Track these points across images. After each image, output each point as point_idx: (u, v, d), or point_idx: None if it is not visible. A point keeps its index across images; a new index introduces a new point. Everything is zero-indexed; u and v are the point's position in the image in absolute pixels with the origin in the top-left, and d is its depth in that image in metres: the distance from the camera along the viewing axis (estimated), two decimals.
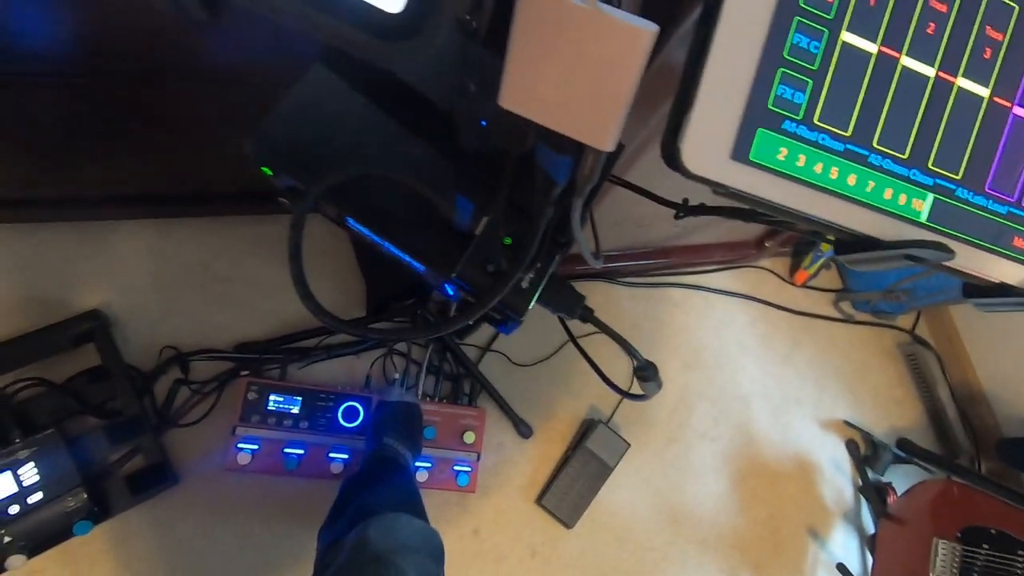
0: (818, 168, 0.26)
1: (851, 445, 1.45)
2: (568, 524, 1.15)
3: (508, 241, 0.40)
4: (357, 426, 1.05)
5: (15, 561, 0.82)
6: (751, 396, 1.41)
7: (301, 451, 1.01)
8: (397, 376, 1.15)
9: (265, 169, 0.41)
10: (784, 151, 0.25)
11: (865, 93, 0.25)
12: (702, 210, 0.57)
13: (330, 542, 0.67)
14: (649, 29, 0.24)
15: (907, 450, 1.44)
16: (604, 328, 0.47)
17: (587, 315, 0.46)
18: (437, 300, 1.17)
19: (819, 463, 1.41)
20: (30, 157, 0.87)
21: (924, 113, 0.26)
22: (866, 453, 1.44)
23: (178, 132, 0.90)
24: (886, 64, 0.25)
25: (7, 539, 0.82)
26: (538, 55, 0.25)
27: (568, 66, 0.24)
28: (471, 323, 0.38)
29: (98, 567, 0.90)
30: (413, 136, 0.41)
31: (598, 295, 1.36)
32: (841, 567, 1.26)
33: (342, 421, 1.04)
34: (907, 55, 0.25)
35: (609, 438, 1.20)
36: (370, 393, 1.08)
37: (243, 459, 0.98)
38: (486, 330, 1.24)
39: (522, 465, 1.18)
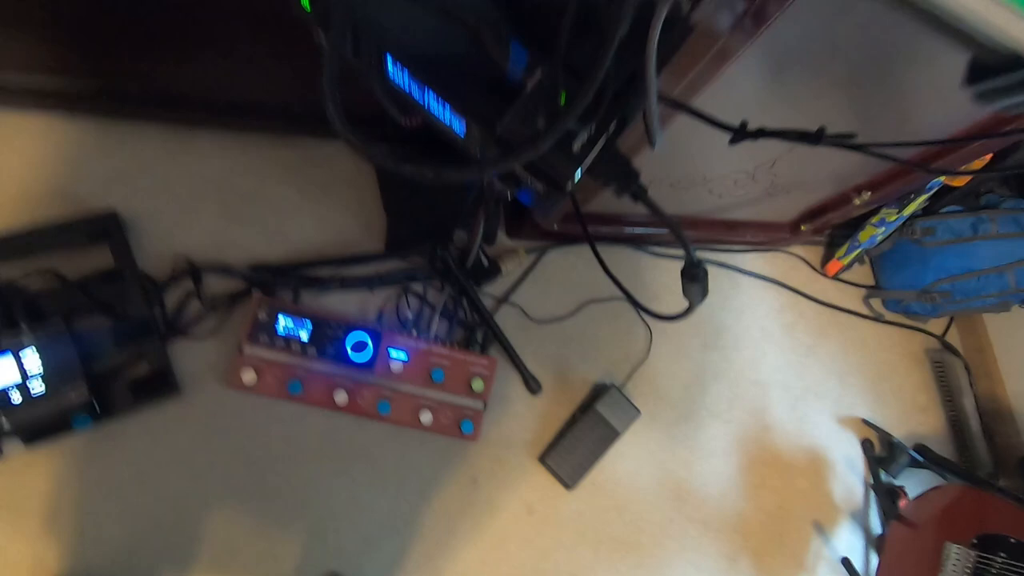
0: None
1: (867, 444, 1.40)
2: (568, 485, 1.13)
3: (565, 98, 0.36)
4: (365, 360, 1.02)
5: (13, 448, 0.81)
6: (770, 383, 1.37)
7: (306, 377, 0.99)
8: (410, 316, 1.12)
9: (303, 1, 0.37)
10: None
11: None
12: (761, 134, 0.53)
13: None
14: None
15: (925, 455, 1.39)
16: (657, 211, 0.43)
17: (640, 193, 0.42)
18: (457, 244, 1.14)
19: (832, 459, 1.37)
20: (61, 39, 0.85)
21: None
22: (881, 454, 1.39)
23: (216, 33, 0.87)
24: None
25: (7, 426, 0.81)
26: None
27: None
28: (509, 184, 0.33)
29: (91, 465, 0.89)
30: None
31: (623, 260, 1.32)
32: (846, 562, 1.22)
33: (350, 352, 1.02)
34: None
35: (620, 403, 1.17)
36: (380, 328, 1.05)
37: (248, 378, 0.96)
38: (503, 282, 1.21)
39: (528, 421, 1.15)
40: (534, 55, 0.35)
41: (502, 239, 1.24)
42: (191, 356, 0.98)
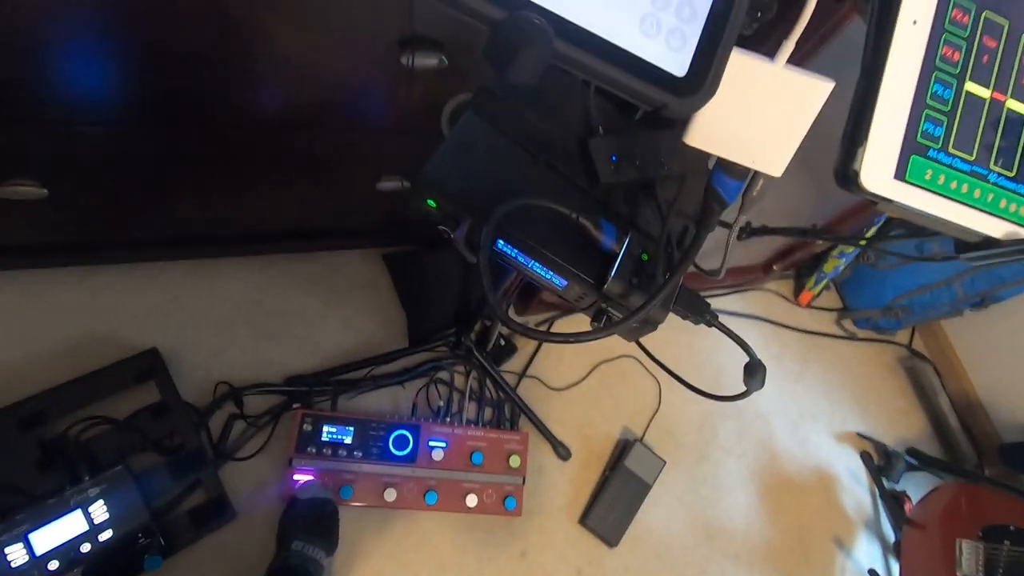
0: (953, 185, 0.34)
1: (865, 456, 1.52)
2: (611, 543, 1.18)
3: (645, 257, 0.46)
4: (408, 453, 1.08)
5: None
6: (770, 413, 1.48)
7: (355, 480, 1.03)
8: (441, 404, 1.18)
9: (430, 201, 0.46)
10: (930, 172, 0.32)
11: (983, 127, 0.33)
12: (764, 231, 0.65)
13: None
14: (828, 83, 0.32)
15: (918, 458, 1.51)
16: (725, 330, 0.53)
17: (713, 320, 0.52)
18: (477, 330, 1.22)
19: (838, 474, 1.47)
20: (84, 202, 0.91)
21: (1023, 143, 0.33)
22: (880, 463, 1.51)
23: (233, 178, 0.95)
24: (996, 105, 0.33)
25: None
26: (726, 102, 0.32)
27: (755, 111, 0.31)
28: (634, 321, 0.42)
29: None
30: (556, 174, 0.48)
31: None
32: (873, 573, 1.30)
33: (393, 449, 1.07)
34: (1011, 97, 0.33)
35: (645, 456, 1.25)
36: (418, 421, 1.11)
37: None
38: (521, 357, 1.29)
39: (563, 486, 1.21)
40: (620, 228, 0.45)
41: (511, 316, 1.33)
42: (242, 476, 1.01)
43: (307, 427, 1.04)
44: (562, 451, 1.23)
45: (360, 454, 1.05)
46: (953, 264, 1.50)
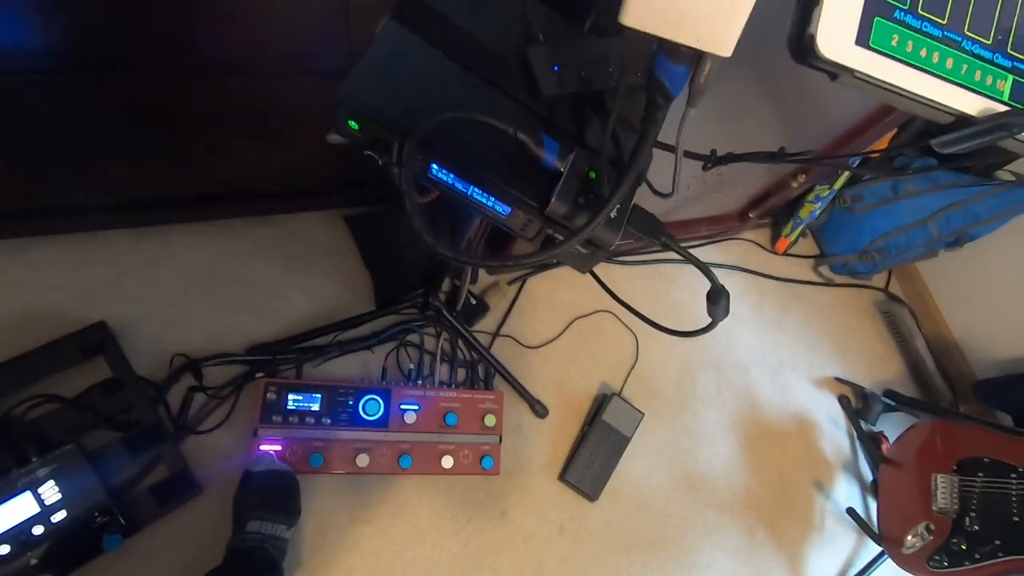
0: (923, 53, 0.30)
1: (843, 400, 1.52)
2: (592, 497, 1.18)
3: (592, 175, 0.42)
4: (379, 418, 1.05)
5: None
6: (749, 363, 1.47)
7: (325, 448, 1.00)
8: (412, 367, 1.15)
9: (352, 123, 0.41)
10: (896, 37, 0.28)
11: None
12: (731, 159, 0.61)
13: None
14: None
15: (894, 399, 1.52)
16: (683, 252, 0.49)
17: (670, 241, 0.49)
18: (446, 290, 1.18)
19: (817, 420, 1.48)
20: (22, 164, 0.84)
21: (1002, 3, 0.30)
22: (858, 406, 1.52)
23: (175, 133, 0.89)
24: None
25: (33, 561, 0.79)
26: None
27: None
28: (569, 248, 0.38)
29: None
30: (492, 87, 0.43)
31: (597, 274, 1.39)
32: (851, 511, 1.32)
33: (363, 414, 1.04)
34: None
35: (624, 409, 1.23)
36: (388, 385, 1.08)
37: None
38: (494, 316, 1.26)
39: (541, 444, 1.20)
40: (564, 144, 0.41)
41: (482, 275, 1.29)
42: (205, 449, 0.97)
43: (271, 396, 1.00)
44: (539, 409, 1.20)
45: (329, 421, 1.02)
46: (927, 203, 1.48)
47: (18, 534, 0.78)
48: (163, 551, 0.90)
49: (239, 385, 1.02)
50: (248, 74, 0.79)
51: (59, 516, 0.80)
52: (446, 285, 1.18)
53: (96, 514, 0.82)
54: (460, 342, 1.19)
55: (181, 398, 0.98)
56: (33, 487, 0.80)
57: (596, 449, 1.20)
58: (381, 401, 1.05)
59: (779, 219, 1.63)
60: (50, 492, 0.81)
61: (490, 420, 1.11)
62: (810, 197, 1.49)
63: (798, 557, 1.31)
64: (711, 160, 0.58)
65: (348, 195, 1.18)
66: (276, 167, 1.03)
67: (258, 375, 1.03)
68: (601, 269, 1.39)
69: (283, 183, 1.09)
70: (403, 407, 1.07)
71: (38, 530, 0.79)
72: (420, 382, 1.14)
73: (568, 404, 1.25)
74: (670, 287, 1.47)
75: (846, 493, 1.43)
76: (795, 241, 1.63)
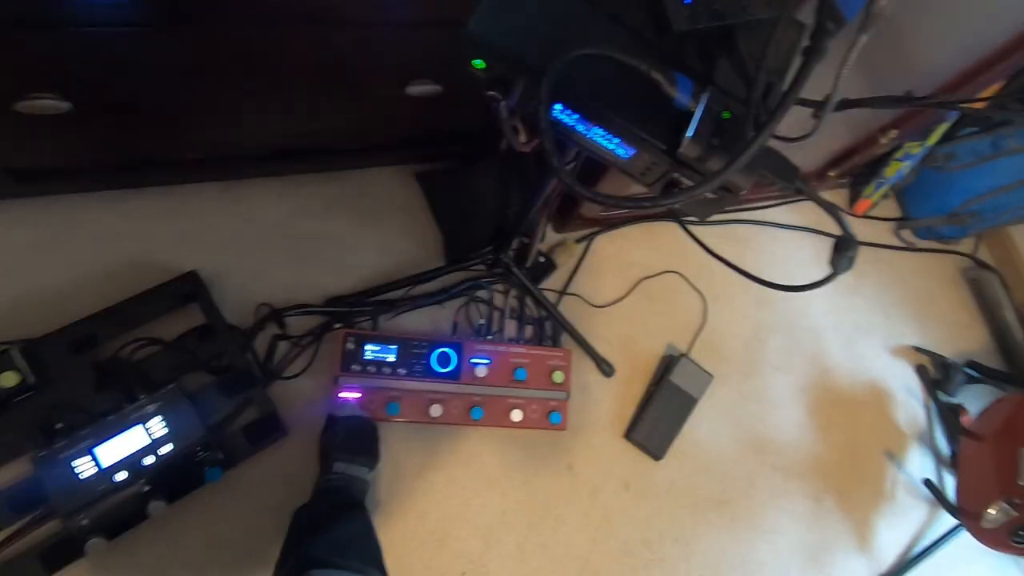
0: None
1: (921, 369, 1.46)
2: (657, 456, 1.18)
3: (727, 115, 0.40)
4: (451, 371, 1.07)
5: (156, 508, 0.85)
6: (822, 328, 1.42)
7: (400, 397, 1.03)
8: (481, 322, 1.16)
9: (477, 62, 0.41)
10: None
11: None
12: (848, 104, 0.57)
13: None
14: None
15: (978, 370, 1.45)
16: (816, 198, 0.47)
17: (803, 186, 0.47)
18: (515, 247, 1.18)
19: (891, 389, 1.43)
20: (109, 119, 0.87)
21: None
22: (937, 376, 1.45)
23: (254, 89, 0.89)
24: None
25: (146, 488, 0.86)
26: None
27: None
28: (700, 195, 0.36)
29: (228, 513, 0.94)
30: (617, 22, 0.41)
31: (666, 237, 1.36)
32: (928, 483, 1.28)
33: (436, 367, 1.07)
34: None
35: (692, 371, 1.22)
36: (459, 339, 1.10)
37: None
38: (561, 274, 1.25)
39: (607, 403, 1.20)
40: (697, 82, 0.39)
41: (549, 233, 1.28)
42: (290, 394, 1.02)
43: (350, 346, 1.03)
44: (605, 367, 1.20)
45: (404, 372, 1.05)
46: None
47: (132, 463, 0.84)
48: (256, 486, 0.96)
49: (319, 335, 1.06)
50: (326, 24, 0.78)
51: (166, 449, 0.87)
52: (515, 243, 1.17)
53: (198, 449, 0.88)
54: (528, 299, 1.19)
55: (267, 345, 1.03)
56: (143, 421, 0.86)
57: (662, 409, 1.19)
58: (453, 354, 1.08)
59: (860, 179, 1.54)
60: (158, 426, 0.87)
61: (558, 376, 1.12)
62: (898, 155, 1.40)
63: (866, 525, 1.29)
64: (823, 106, 0.54)
65: (420, 151, 1.18)
66: (352, 122, 1.04)
67: (336, 326, 1.07)
68: (669, 230, 1.36)
69: (358, 138, 1.10)
70: (474, 361, 1.08)
71: (149, 460, 0.86)
72: (489, 337, 1.15)
73: (634, 364, 1.24)
74: (743, 249, 1.42)
75: (919, 464, 1.38)
76: (876, 202, 1.54)
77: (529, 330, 1.19)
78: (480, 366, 1.08)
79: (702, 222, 1.38)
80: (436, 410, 1.05)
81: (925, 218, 1.54)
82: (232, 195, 1.09)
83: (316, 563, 0.69)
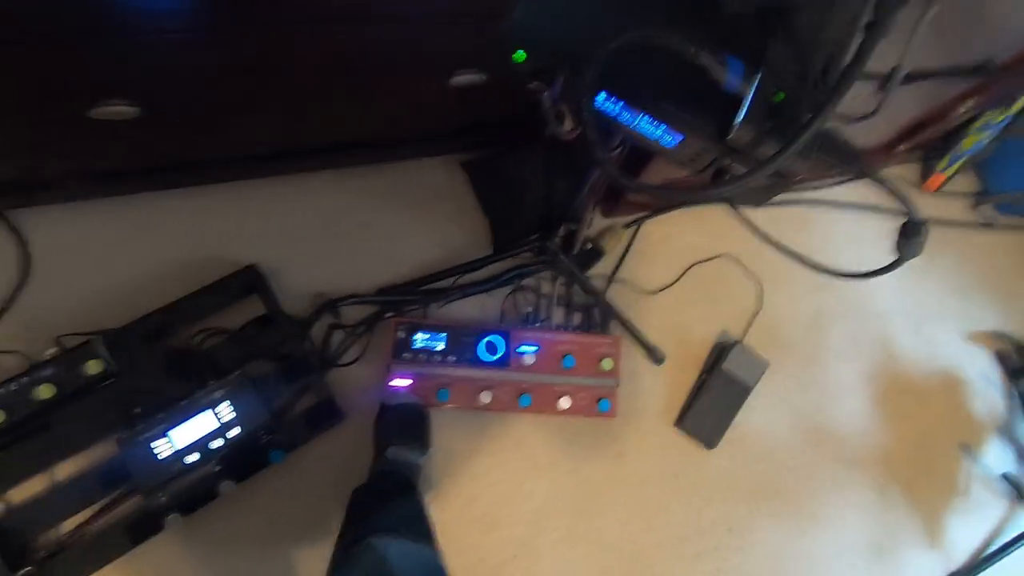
0: None
1: (1001, 355, 1.36)
2: (709, 445, 1.16)
3: (780, 97, 0.38)
4: (499, 358, 1.08)
5: (226, 487, 0.91)
6: (888, 313, 1.34)
7: (450, 384, 1.05)
8: (529, 310, 1.17)
9: (519, 53, 0.40)
10: None
11: None
12: (920, 75, 0.53)
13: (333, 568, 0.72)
14: None
15: None
16: (880, 180, 0.44)
17: (868, 169, 0.44)
18: (562, 234, 1.17)
19: (967, 377, 1.34)
20: (175, 120, 0.92)
21: None
22: (1017, 363, 1.35)
23: (306, 86, 0.92)
24: None
25: (216, 468, 0.91)
26: None
27: None
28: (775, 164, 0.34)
29: (290, 492, 0.99)
30: (664, 7, 0.40)
31: (718, 220, 1.31)
32: (1008, 477, 1.20)
33: (485, 354, 1.08)
34: None
35: (746, 358, 1.18)
36: (507, 327, 1.10)
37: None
38: (609, 261, 1.24)
39: (657, 390, 1.18)
40: (749, 64, 0.37)
41: (596, 219, 1.27)
42: (346, 381, 1.06)
43: (401, 334, 1.06)
44: (656, 355, 1.19)
45: (453, 359, 1.07)
46: None
47: (203, 445, 0.90)
48: (315, 468, 1.01)
49: (371, 324, 1.09)
50: (371, 22, 0.79)
51: (234, 432, 0.92)
52: (562, 230, 1.17)
53: (262, 432, 0.93)
54: (575, 286, 1.19)
55: (323, 334, 1.07)
56: (212, 406, 0.92)
57: (715, 397, 1.16)
58: (501, 342, 1.09)
59: (933, 152, 1.43)
60: (226, 411, 0.92)
61: (607, 364, 1.11)
62: (976, 125, 1.29)
63: (936, 521, 1.22)
64: (888, 81, 0.51)
65: (465, 140, 1.19)
66: (399, 115, 1.05)
67: (388, 315, 1.10)
68: (721, 213, 1.32)
69: (405, 130, 1.12)
70: (521, 348, 1.09)
71: (218, 443, 0.91)
72: (537, 325, 1.15)
73: (685, 351, 1.22)
74: (802, 231, 1.35)
75: (997, 457, 1.29)
76: (951, 177, 1.43)
77: (577, 317, 1.19)
78: (528, 354, 1.09)
79: (759, 207, 1.33)
80: (485, 397, 1.06)
81: (1007, 192, 1.42)
82: (288, 190, 1.13)
83: (375, 532, 0.72)
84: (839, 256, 1.36)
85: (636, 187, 0.38)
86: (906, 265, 1.42)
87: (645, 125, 0.41)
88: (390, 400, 1.00)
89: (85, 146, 0.89)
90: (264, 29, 0.77)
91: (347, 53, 0.85)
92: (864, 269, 0.51)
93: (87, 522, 0.91)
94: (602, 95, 0.40)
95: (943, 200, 1.47)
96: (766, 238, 0.61)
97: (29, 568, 0.84)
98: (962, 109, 1.14)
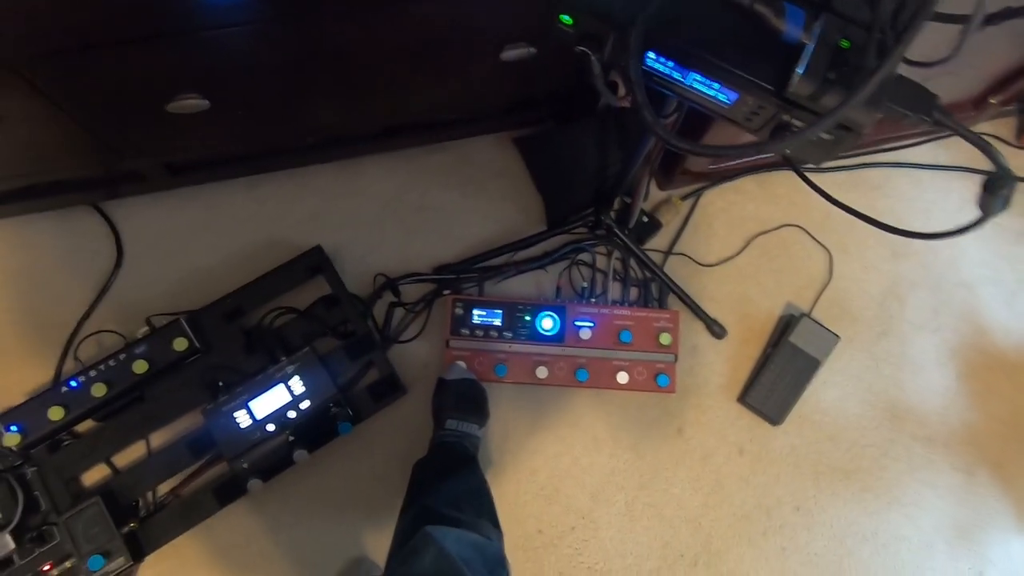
0: None
1: None
2: (775, 421, 1.12)
3: (845, 44, 0.36)
4: (556, 333, 1.08)
5: (300, 455, 0.97)
6: (977, 282, 1.24)
7: (508, 359, 1.07)
8: (585, 285, 1.16)
9: (564, 17, 0.40)
10: None
11: None
12: (1003, 15, 0.48)
13: (397, 546, 0.75)
14: None
15: None
16: (958, 127, 0.41)
17: (943, 117, 0.41)
18: (617, 208, 1.15)
19: None
20: (240, 112, 0.96)
21: None
22: None
23: (359, 71, 0.94)
24: None
25: (291, 438, 0.97)
26: None
27: None
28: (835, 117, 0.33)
29: (358, 462, 1.04)
30: None
31: (783, 188, 1.25)
32: None
33: (541, 330, 1.08)
34: None
35: (815, 331, 1.13)
36: (563, 302, 1.10)
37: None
38: (667, 234, 1.21)
39: (719, 365, 1.15)
40: (810, 12, 0.35)
41: (653, 191, 1.24)
42: (406, 358, 1.10)
43: (458, 311, 1.08)
44: (716, 329, 1.15)
45: (510, 335, 1.08)
46: None
47: (278, 416, 0.96)
48: (380, 440, 1.06)
49: (430, 301, 1.12)
50: (419, 1, 0.80)
51: (305, 404, 0.97)
52: (616, 203, 1.15)
53: (331, 405, 0.98)
54: (632, 260, 1.17)
55: (384, 312, 1.11)
56: (284, 380, 0.97)
57: (781, 372, 1.12)
58: (557, 317, 1.09)
59: None
60: (297, 385, 0.98)
61: (665, 338, 1.09)
62: None
63: None
64: (967, 22, 0.46)
65: (517, 117, 1.18)
66: (450, 95, 1.06)
67: (445, 292, 1.12)
68: (787, 180, 1.25)
69: (458, 109, 1.12)
70: (578, 323, 1.09)
71: (291, 414, 0.97)
72: (593, 300, 1.15)
73: (748, 325, 1.17)
74: (875, 196, 1.27)
75: None
76: None
77: (634, 292, 1.17)
78: (584, 328, 1.09)
79: (822, 168, 1.25)
80: (542, 372, 1.07)
81: None
82: (347, 174, 1.17)
83: (432, 518, 0.75)
84: (919, 221, 1.26)
85: (688, 148, 0.37)
86: (998, 230, 1.30)
87: (697, 83, 0.39)
88: (447, 375, 1.03)
89: (163, 139, 0.95)
90: (319, 16, 0.80)
91: (401, 33, 0.86)
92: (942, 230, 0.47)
93: (180, 485, 0.99)
94: (651, 54, 0.39)
95: None
96: (833, 200, 0.57)
97: (133, 524, 0.94)
98: None
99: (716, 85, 0.39)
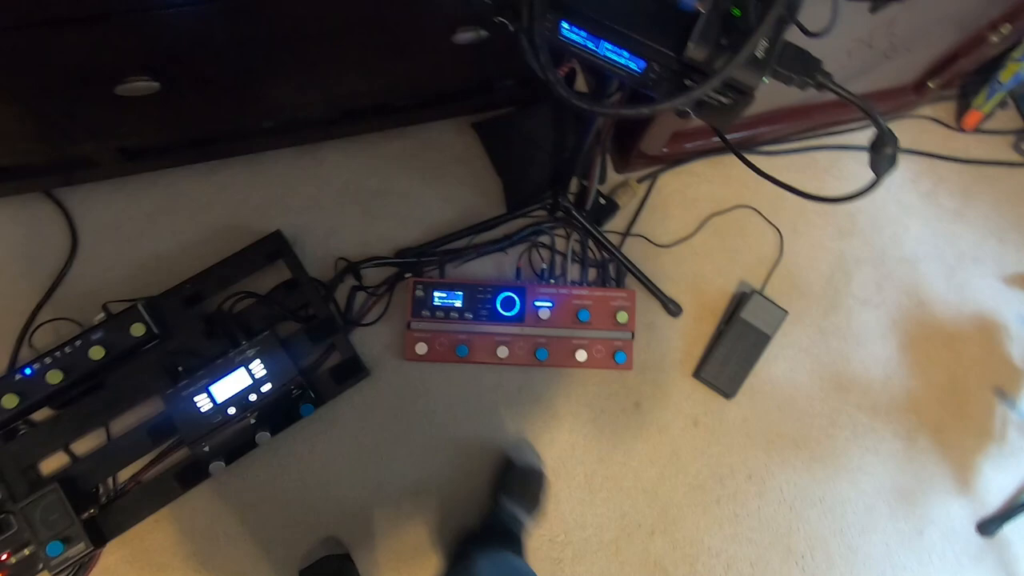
0: None
1: None
2: (728, 394, 1.16)
3: (737, 12, 0.38)
4: (516, 314, 1.11)
5: (262, 438, 0.98)
6: (918, 258, 1.30)
7: (469, 340, 1.09)
8: (544, 267, 1.19)
9: None
10: None
11: None
12: None
13: None
14: None
15: None
16: (840, 91, 0.44)
17: (825, 79, 0.44)
18: (574, 191, 1.18)
19: (1003, 321, 1.29)
20: (193, 95, 0.96)
21: None
22: None
23: (314, 53, 0.94)
24: None
25: (252, 421, 0.98)
26: None
27: None
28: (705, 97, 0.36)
29: (321, 443, 1.06)
30: None
31: (735, 170, 1.29)
32: None
33: (501, 311, 1.11)
34: None
35: (765, 307, 1.18)
36: (523, 284, 1.13)
37: (420, 349, 1.08)
38: (622, 216, 1.24)
39: (675, 342, 1.19)
40: None
41: (611, 175, 1.27)
42: (368, 340, 1.11)
43: (419, 293, 1.10)
44: (672, 307, 1.19)
45: (471, 316, 1.10)
46: None
47: (240, 399, 0.97)
48: (343, 420, 1.07)
49: (391, 285, 1.14)
50: None
51: (266, 387, 0.98)
52: (574, 186, 1.17)
53: (292, 388, 0.99)
54: (590, 242, 1.20)
55: (345, 296, 1.12)
56: (245, 364, 0.98)
57: (733, 347, 1.17)
58: (517, 298, 1.11)
59: (968, 88, 1.36)
60: (258, 368, 0.98)
61: (622, 317, 1.13)
62: (1016, 54, 1.22)
63: (969, 467, 1.21)
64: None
65: (476, 102, 1.20)
66: (406, 77, 1.07)
67: (406, 275, 1.14)
68: (734, 164, 1.29)
69: (415, 94, 1.13)
70: (537, 304, 1.12)
71: (252, 397, 0.98)
72: (552, 281, 1.17)
73: (703, 303, 1.22)
74: (824, 176, 1.32)
75: None
76: (990, 113, 1.36)
77: (592, 272, 1.20)
78: (543, 308, 1.11)
79: (772, 152, 1.30)
80: (503, 351, 1.10)
81: None
82: (307, 159, 1.18)
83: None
84: (868, 200, 1.31)
85: (588, 108, 0.40)
86: (938, 208, 1.36)
87: (610, 52, 0.42)
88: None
89: (113, 124, 0.95)
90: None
91: (351, 7, 0.86)
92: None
93: (142, 471, 1.00)
94: (565, 24, 0.41)
95: (981, 139, 1.40)
96: (763, 174, 0.61)
97: (93, 511, 0.94)
98: (995, 37, 1.07)
99: (625, 53, 0.41)
